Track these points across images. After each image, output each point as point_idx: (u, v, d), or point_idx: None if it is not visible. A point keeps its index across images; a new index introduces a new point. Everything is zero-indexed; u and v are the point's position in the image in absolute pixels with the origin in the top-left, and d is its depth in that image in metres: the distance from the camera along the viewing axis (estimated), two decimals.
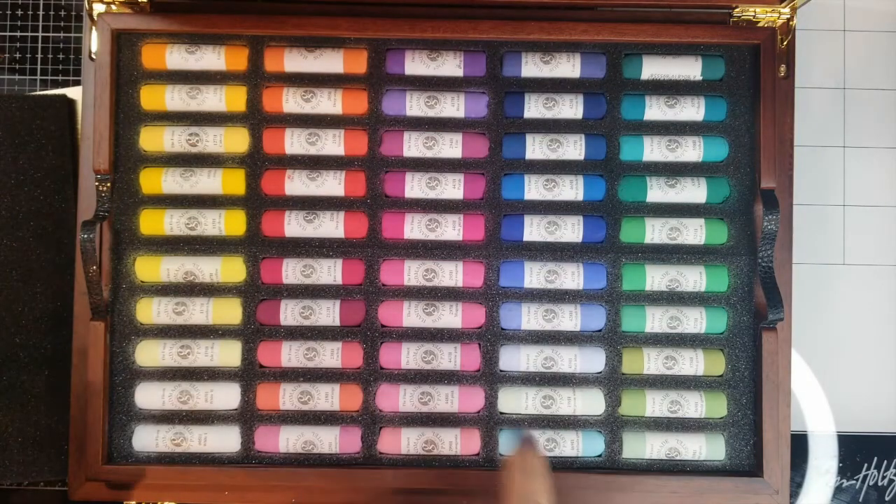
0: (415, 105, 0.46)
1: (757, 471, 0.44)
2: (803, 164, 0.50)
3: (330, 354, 0.45)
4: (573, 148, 0.46)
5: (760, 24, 0.46)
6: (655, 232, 0.46)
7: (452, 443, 0.45)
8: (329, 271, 0.46)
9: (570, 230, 0.46)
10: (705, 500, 0.45)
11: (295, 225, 0.46)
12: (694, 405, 0.45)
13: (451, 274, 0.46)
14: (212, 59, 0.46)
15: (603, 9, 0.46)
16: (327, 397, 0.45)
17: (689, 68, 0.46)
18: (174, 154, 0.46)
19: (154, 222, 0.46)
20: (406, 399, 0.45)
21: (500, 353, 0.45)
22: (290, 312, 0.45)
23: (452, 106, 0.46)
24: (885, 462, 0.50)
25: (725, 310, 0.46)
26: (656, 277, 0.46)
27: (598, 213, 0.46)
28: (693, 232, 0.46)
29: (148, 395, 0.45)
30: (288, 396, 0.45)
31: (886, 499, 0.51)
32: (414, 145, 0.46)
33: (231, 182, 0.46)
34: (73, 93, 0.50)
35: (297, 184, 0.46)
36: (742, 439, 0.45)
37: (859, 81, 0.52)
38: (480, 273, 0.46)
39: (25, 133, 0.49)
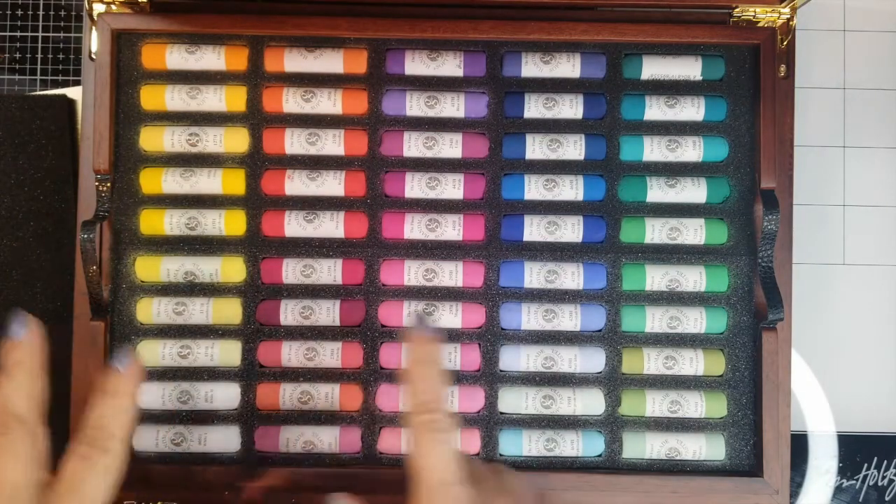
0: (415, 105, 0.46)
1: (757, 471, 0.44)
2: (803, 164, 0.50)
3: (330, 354, 0.45)
4: (573, 148, 0.46)
5: (760, 24, 0.46)
6: (655, 232, 0.46)
7: None
8: (329, 271, 0.46)
9: (570, 230, 0.46)
10: (705, 500, 0.45)
11: (295, 225, 0.46)
12: (694, 405, 0.45)
13: (451, 274, 0.46)
14: (212, 59, 0.46)
15: (603, 9, 0.46)
16: (327, 397, 0.45)
17: (689, 68, 0.46)
18: (174, 154, 0.46)
19: (154, 222, 0.46)
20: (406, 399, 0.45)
21: (500, 353, 0.45)
22: (290, 312, 0.45)
23: (452, 106, 0.46)
24: (885, 462, 0.50)
25: (725, 310, 0.46)
26: (656, 277, 0.46)
27: (598, 213, 0.46)
28: (693, 232, 0.46)
29: (148, 395, 0.45)
30: (288, 396, 0.45)
31: (886, 499, 0.51)
32: (414, 145, 0.46)
33: (231, 182, 0.46)
34: (73, 93, 0.50)
35: (297, 184, 0.46)
36: (742, 439, 0.45)
37: (859, 81, 0.52)
38: (480, 273, 0.46)
39: (25, 133, 0.49)
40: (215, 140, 0.46)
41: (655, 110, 0.46)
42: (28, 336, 0.33)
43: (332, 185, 0.46)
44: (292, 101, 0.46)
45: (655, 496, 0.44)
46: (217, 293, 0.46)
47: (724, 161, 0.46)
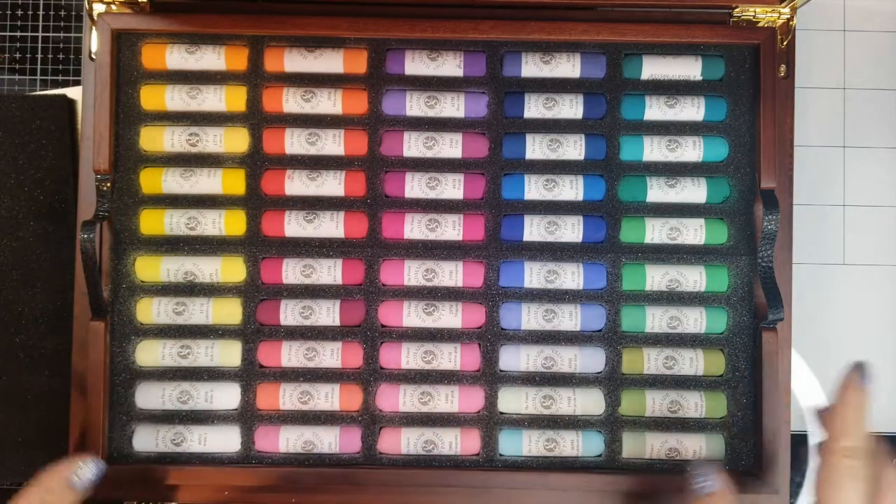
0: (415, 105, 0.46)
1: (757, 471, 0.44)
2: (803, 164, 0.50)
3: (330, 354, 0.45)
4: (573, 148, 0.46)
5: (760, 24, 0.46)
6: (655, 232, 0.46)
7: (452, 443, 0.45)
8: (329, 271, 0.46)
9: (570, 230, 0.46)
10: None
11: (295, 225, 0.46)
12: (694, 405, 0.45)
13: (451, 274, 0.46)
14: (212, 59, 0.46)
15: (603, 9, 0.46)
16: (327, 397, 0.45)
17: (689, 68, 0.46)
18: (174, 154, 0.46)
19: (154, 222, 0.46)
20: (406, 399, 0.45)
21: (500, 353, 0.45)
22: (290, 312, 0.45)
23: (452, 106, 0.46)
24: None
25: (725, 310, 0.46)
26: (656, 277, 0.46)
27: (598, 213, 0.46)
28: (693, 232, 0.46)
29: (148, 395, 0.45)
30: (288, 396, 0.45)
31: None
32: (414, 145, 0.46)
33: (231, 182, 0.46)
34: (73, 93, 0.51)
35: (297, 184, 0.46)
36: (742, 439, 0.45)
37: (859, 81, 0.52)
38: (480, 273, 0.46)
39: (25, 133, 0.49)
40: (215, 140, 0.46)
41: (655, 110, 0.46)
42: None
43: (332, 185, 0.46)
44: (292, 101, 0.46)
45: (655, 496, 0.44)
46: (217, 293, 0.46)
47: (724, 161, 0.46)
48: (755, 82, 0.46)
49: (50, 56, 0.52)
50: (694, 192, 0.46)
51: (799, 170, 0.47)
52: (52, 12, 0.52)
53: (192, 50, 0.46)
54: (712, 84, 0.46)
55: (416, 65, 0.46)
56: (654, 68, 0.46)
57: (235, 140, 0.46)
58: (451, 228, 0.46)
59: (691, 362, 0.45)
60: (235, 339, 0.46)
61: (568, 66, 0.46)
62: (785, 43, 0.46)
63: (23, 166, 0.49)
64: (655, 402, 0.45)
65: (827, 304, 0.51)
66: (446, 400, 0.45)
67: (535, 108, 0.46)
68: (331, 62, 0.46)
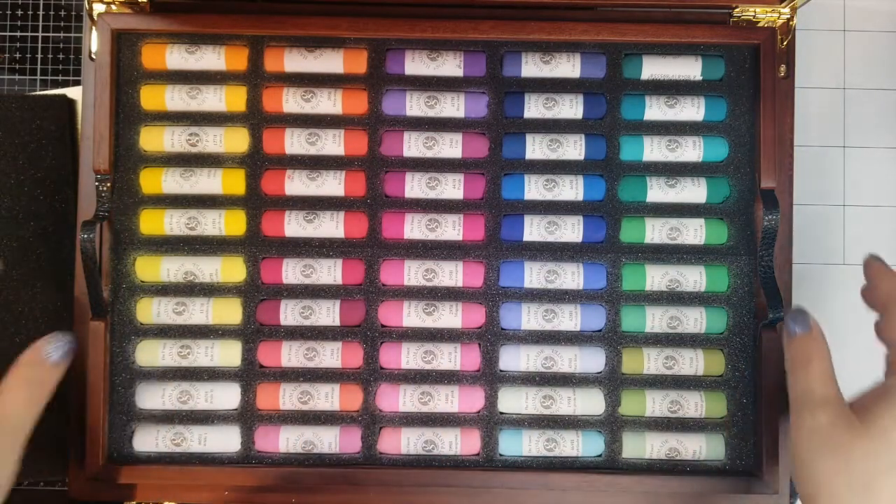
0: (415, 105, 0.46)
1: (757, 471, 0.44)
2: (803, 164, 0.50)
3: (330, 354, 0.45)
4: (573, 148, 0.46)
5: (760, 24, 0.46)
6: (655, 232, 0.46)
7: (452, 443, 0.45)
8: (329, 271, 0.46)
9: (570, 230, 0.46)
10: (705, 500, 0.45)
11: (295, 225, 0.46)
12: (694, 405, 0.45)
13: (451, 274, 0.46)
14: (212, 59, 0.46)
15: (603, 9, 0.46)
16: (327, 397, 0.45)
17: (689, 68, 0.46)
18: (174, 154, 0.46)
19: (154, 222, 0.46)
20: (406, 399, 0.45)
21: (500, 353, 0.45)
22: (290, 312, 0.45)
23: (452, 106, 0.46)
24: None
25: (725, 310, 0.46)
26: (656, 277, 0.46)
27: (598, 213, 0.46)
28: (693, 232, 0.46)
29: (148, 395, 0.45)
30: (288, 396, 0.45)
31: None
32: (414, 145, 0.46)
33: (231, 182, 0.46)
34: (73, 93, 0.50)
35: (297, 184, 0.46)
36: (742, 439, 0.45)
37: (859, 81, 0.52)
38: (480, 273, 0.46)
39: (25, 133, 0.49)
40: (215, 140, 0.46)
41: (655, 110, 0.46)
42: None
43: (332, 185, 0.46)
44: (292, 101, 0.46)
45: (655, 496, 0.44)
46: (217, 293, 0.46)
47: (724, 161, 0.46)
48: (755, 82, 0.46)
49: (50, 56, 0.52)
50: (694, 192, 0.46)
51: (799, 170, 0.47)
52: (52, 12, 0.52)
53: (192, 50, 0.46)
54: (712, 84, 0.46)
55: (416, 65, 0.46)
56: (654, 68, 0.46)
57: (235, 140, 0.46)
58: (451, 228, 0.46)
59: (691, 362, 0.45)
60: (235, 339, 0.46)
61: (568, 66, 0.46)
62: (785, 43, 0.46)
63: (23, 166, 0.49)
64: (655, 402, 0.45)
65: (827, 304, 0.51)
66: (446, 400, 0.45)
67: (535, 108, 0.46)
68: (331, 62, 0.46)
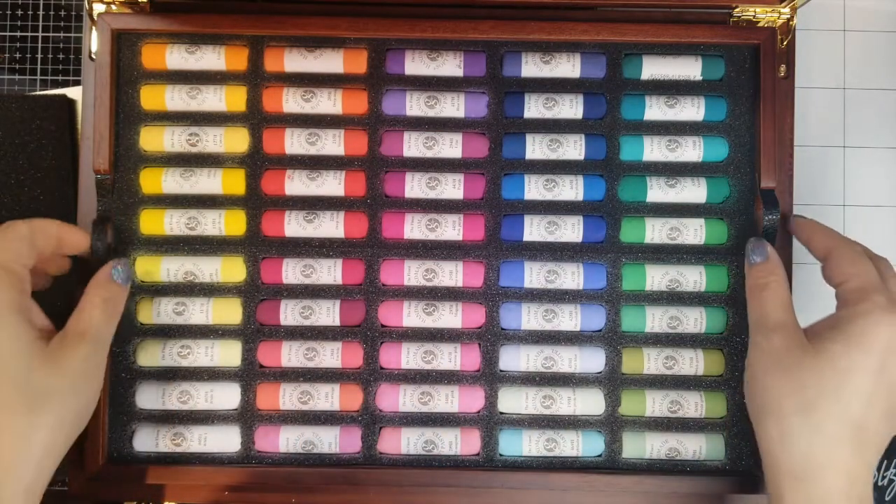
0: (415, 105, 0.46)
1: (757, 471, 0.44)
2: (803, 164, 0.50)
3: (330, 354, 0.45)
4: (573, 148, 0.46)
5: (760, 24, 0.46)
6: (655, 232, 0.46)
7: (452, 443, 0.45)
8: (329, 271, 0.46)
9: (570, 230, 0.46)
10: (705, 500, 0.45)
11: (295, 225, 0.46)
12: (694, 405, 0.45)
13: (451, 274, 0.46)
14: (212, 59, 0.46)
15: (603, 9, 0.46)
16: (327, 397, 0.45)
17: (689, 68, 0.46)
18: (174, 154, 0.46)
19: (154, 222, 0.46)
20: (406, 399, 0.45)
21: (500, 353, 0.45)
22: (290, 312, 0.45)
23: (452, 106, 0.46)
24: (885, 462, 0.50)
25: (725, 310, 0.46)
26: (656, 277, 0.46)
27: (598, 213, 0.46)
28: (693, 232, 0.46)
29: (148, 395, 0.45)
30: (288, 396, 0.45)
31: (886, 499, 0.51)
32: (414, 145, 0.46)
33: (231, 182, 0.46)
34: (73, 93, 0.51)
35: (297, 184, 0.46)
36: (742, 439, 0.45)
37: (859, 81, 0.52)
38: (480, 273, 0.46)
39: (25, 133, 0.49)
40: (215, 140, 0.46)
41: (655, 110, 0.46)
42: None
43: (332, 185, 0.46)
44: (292, 101, 0.46)
45: (655, 496, 0.44)
46: (217, 293, 0.46)
47: (724, 161, 0.46)
48: (755, 82, 0.46)
49: (50, 56, 0.52)
50: (694, 192, 0.46)
51: (799, 170, 0.47)
52: (52, 12, 0.52)
53: (192, 50, 0.46)
54: (712, 84, 0.46)
55: (416, 65, 0.46)
56: (654, 68, 0.46)
57: (235, 140, 0.46)
58: (451, 228, 0.46)
59: (691, 362, 0.45)
60: (235, 339, 0.46)
61: (568, 66, 0.46)
62: (785, 43, 0.46)
63: (23, 166, 0.49)
64: (655, 402, 0.45)
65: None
66: (446, 400, 0.45)
67: (535, 108, 0.46)
68: (331, 62, 0.46)
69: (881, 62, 0.52)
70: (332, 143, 0.46)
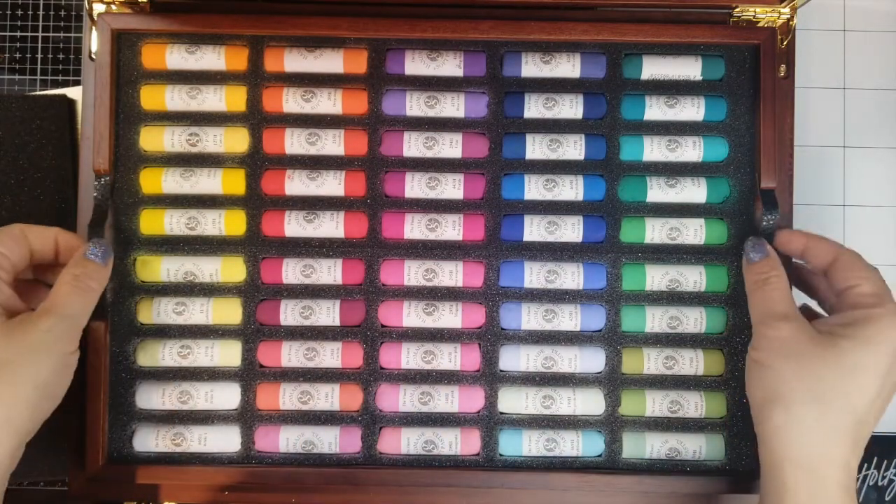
0: (415, 105, 0.46)
1: (757, 471, 0.44)
2: (803, 164, 0.50)
3: (330, 354, 0.45)
4: (573, 148, 0.46)
5: (760, 24, 0.46)
6: (655, 232, 0.46)
7: (452, 443, 0.45)
8: (329, 271, 0.46)
9: (570, 230, 0.46)
10: (705, 500, 0.45)
11: (295, 225, 0.46)
12: (694, 405, 0.45)
13: (451, 274, 0.46)
14: (212, 59, 0.46)
15: (603, 9, 0.46)
16: (327, 397, 0.45)
17: (689, 68, 0.46)
18: (174, 154, 0.46)
19: (154, 222, 0.46)
20: (406, 399, 0.45)
21: (500, 353, 0.45)
22: (290, 312, 0.45)
23: (452, 106, 0.46)
24: (885, 462, 0.50)
25: (725, 310, 0.46)
26: (656, 277, 0.46)
27: (598, 213, 0.46)
28: (693, 232, 0.46)
29: (148, 395, 0.45)
30: (288, 396, 0.45)
31: (886, 499, 0.51)
32: (414, 145, 0.46)
33: (231, 182, 0.46)
34: (73, 93, 0.51)
35: (297, 184, 0.46)
36: (742, 439, 0.45)
37: (859, 81, 0.52)
38: (480, 273, 0.46)
39: (25, 133, 0.49)
40: (215, 140, 0.46)
41: (655, 110, 0.46)
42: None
43: (332, 185, 0.46)
44: (292, 101, 0.46)
45: (655, 496, 0.44)
46: (217, 293, 0.46)
47: (724, 161, 0.46)
48: (755, 82, 0.46)
49: (50, 56, 0.52)
50: (694, 192, 0.46)
51: (799, 170, 0.47)
52: (52, 12, 0.52)
53: (192, 50, 0.46)
54: (712, 84, 0.46)
55: (416, 65, 0.46)
56: (654, 68, 0.46)
57: (235, 140, 0.46)
58: (451, 228, 0.46)
59: (691, 362, 0.45)
60: (235, 339, 0.46)
61: (568, 66, 0.46)
62: (785, 43, 0.46)
63: (23, 166, 0.49)
64: (655, 402, 0.45)
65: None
66: (446, 400, 0.45)
67: (535, 108, 0.46)
68: (331, 62, 0.46)
69: (881, 62, 0.52)
70: (332, 143, 0.46)
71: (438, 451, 0.45)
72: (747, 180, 0.46)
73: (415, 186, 0.46)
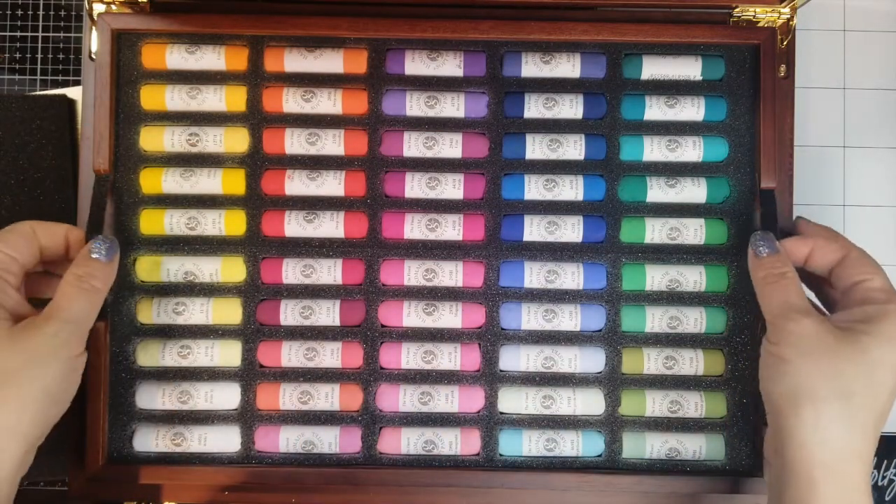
0: (415, 105, 0.46)
1: (757, 471, 0.44)
2: (803, 164, 0.50)
3: (330, 354, 0.45)
4: (573, 148, 0.46)
5: (760, 24, 0.46)
6: (655, 232, 0.46)
7: (452, 443, 0.45)
8: (329, 271, 0.46)
9: (570, 230, 0.46)
10: (705, 500, 0.45)
11: (295, 225, 0.46)
12: (694, 405, 0.45)
13: (451, 274, 0.46)
14: (212, 59, 0.46)
15: (603, 9, 0.46)
16: (327, 397, 0.45)
17: (689, 68, 0.46)
18: (174, 154, 0.46)
19: (154, 222, 0.46)
20: (406, 399, 0.45)
21: (500, 353, 0.45)
22: (290, 312, 0.45)
23: (452, 106, 0.46)
24: (885, 462, 0.50)
25: (725, 310, 0.46)
26: (656, 277, 0.46)
27: (598, 213, 0.46)
28: (693, 232, 0.46)
29: (148, 395, 0.45)
30: (288, 396, 0.45)
31: (886, 499, 0.51)
32: (414, 145, 0.46)
33: (231, 182, 0.46)
34: (73, 93, 0.51)
35: (297, 184, 0.46)
36: (742, 439, 0.45)
37: (859, 81, 0.52)
38: (480, 273, 0.46)
39: (25, 133, 0.49)
40: (215, 140, 0.46)
41: (655, 110, 0.46)
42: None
43: (332, 185, 0.46)
44: (292, 101, 0.46)
45: (655, 496, 0.44)
46: (217, 293, 0.46)
47: (724, 161, 0.46)
48: (755, 82, 0.46)
49: (50, 56, 0.52)
50: (694, 192, 0.46)
51: (799, 170, 0.47)
52: (52, 12, 0.52)
53: (192, 50, 0.46)
54: (712, 84, 0.46)
55: (416, 65, 0.46)
56: (654, 68, 0.46)
57: (235, 140, 0.46)
58: (451, 228, 0.46)
59: (691, 362, 0.45)
60: (235, 339, 0.46)
61: (568, 66, 0.46)
62: (785, 43, 0.46)
63: (23, 166, 0.49)
64: (655, 402, 0.45)
65: None
66: (446, 400, 0.45)
67: (535, 108, 0.46)
68: (331, 62, 0.46)
69: (881, 62, 0.52)
70: (332, 143, 0.46)
71: (438, 451, 0.45)
72: (747, 180, 0.46)
73: (415, 186, 0.46)
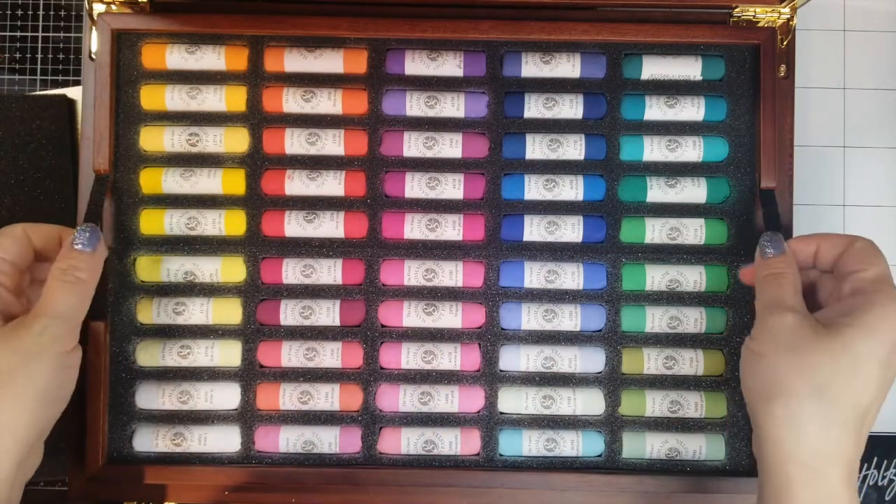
0: (415, 105, 0.46)
1: (757, 471, 0.44)
2: (803, 164, 0.50)
3: (330, 354, 0.45)
4: (573, 148, 0.46)
5: (760, 24, 0.46)
6: (655, 232, 0.46)
7: (452, 443, 0.45)
8: (329, 271, 0.46)
9: (570, 230, 0.46)
10: (705, 500, 0.45)
11: (295, 225, 0.46)
12: (694, 405, 0.45)
13: (451, 274, 0.46)
14: (212, 59, 0.46)
15: (603, 9, 0.46)
16: (327, 397, 0.45)
17: (689, 68, 0.46)
18: (174, 154, 0.46)
19: (154, 222, 0.46)
20: (406, 399, 0.45)
21: (500, 353, 0.45)
22: (290, 312, 0.45)
23: (452, 106, 0.46)
24: (885, 462, 0.50)
25: (725, 310, 0.46)
26: (656, 277, 0.46)
27: (598, 213, 0.46)
28: (693, 232, 0.46)
29: (148, 395, 0.45)
30: (288, 396, 0.45)
31: (886, 499, 0.51)
32: (414, 145, 0.46)
33: (231, 182, 0.46)
34: (73, 93, 0.51)
35: (297, 184, 0.46)
36: (742, 439, 0.45)
37: (859, 81, 0.52)
38: (480, 273, 0.46)
39: (25, 133, 0.49)
40: (215, 140, 0.46)
41: (655, 110, 0.46)
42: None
43: (332, 185, 0.46)
44: (292, 101, 0.46)
45: (655, 496, 0.44)
46: (217, 293, 0.46)
47: (724, 161, 0.46)
48: (755, 82, 0.46)
49: (50, 56, 0.52)
50: (694, 192, 0.46)
51: (799, 170, 0.47)
52: (52, 12, 0.52)
53: (192, 50, 0.46)
54: (712, 84, 0.46)
55: (416, 65, 0.46)
56: (654, 68, 0.46)
57: (235, 140, 0.46)
58: (451, 228, 0.46)
59: (691, 362, 0.45)
60: (235, 339, 0.46)
61: (568, 66, 0.46)
62: (785, 43, 0.46)
63: (23, 166, 0.49)
64: (655, 402, 0.45)
65: None
66: (446, 400, 0.45)
67: (535, 108, 0.46)
68: (331, 62, 0.46)
69: (881, 62, 0.52)
70: (332, 143, 0.46)
71: (438, 451, 0.45)
72: (747, 180, 0.46)
73: (415, 186, 0.46)
